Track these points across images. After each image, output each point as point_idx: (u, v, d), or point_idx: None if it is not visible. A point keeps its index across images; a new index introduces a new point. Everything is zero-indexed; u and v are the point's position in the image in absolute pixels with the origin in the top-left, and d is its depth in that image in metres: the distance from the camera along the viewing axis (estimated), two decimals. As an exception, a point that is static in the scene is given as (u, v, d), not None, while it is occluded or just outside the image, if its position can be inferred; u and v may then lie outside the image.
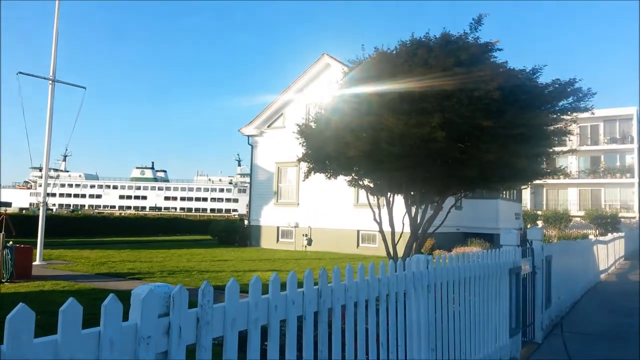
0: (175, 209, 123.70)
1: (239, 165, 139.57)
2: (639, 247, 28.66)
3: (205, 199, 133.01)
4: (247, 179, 37.28)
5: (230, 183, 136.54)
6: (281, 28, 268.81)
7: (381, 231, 9.53)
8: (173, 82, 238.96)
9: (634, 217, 42.62)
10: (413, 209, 9.41)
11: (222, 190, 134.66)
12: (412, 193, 9.47)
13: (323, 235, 22.10)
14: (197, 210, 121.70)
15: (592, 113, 8.31)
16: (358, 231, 21.24)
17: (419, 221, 9.33)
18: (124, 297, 1.74)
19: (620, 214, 40.63)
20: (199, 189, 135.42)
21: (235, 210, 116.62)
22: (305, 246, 22.40)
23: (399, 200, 9.78)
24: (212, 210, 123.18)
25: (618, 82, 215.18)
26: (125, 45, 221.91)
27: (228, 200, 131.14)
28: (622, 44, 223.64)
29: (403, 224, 9.36)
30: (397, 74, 7.43)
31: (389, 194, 9.65)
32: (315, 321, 2.61)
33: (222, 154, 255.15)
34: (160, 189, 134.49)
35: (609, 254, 16.81)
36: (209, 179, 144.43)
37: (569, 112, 8.36)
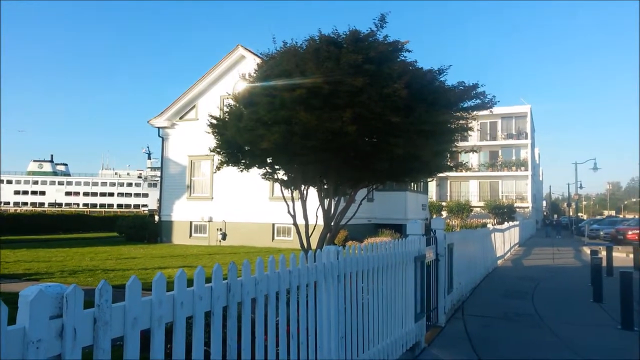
0: (78, 204, 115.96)
1: (149, 158, 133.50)
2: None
3: (111, 194, 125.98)
4: (158, 173, 35.86)
5: (140, 177, 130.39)
6: (194, 16, 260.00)
7: (295, 224, 9.63)
8: (74, 71, 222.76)
9: (528, 207, 46.64)
10: (326, 202, 9.58)
11: (130, 184, 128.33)
12: (325, 186, 9.64)
13: (238, 230, 21.86)
14: (102, 206, 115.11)
15: (491, 112, 8.97)
16: (273, 224, 21.24)
17: (332, 213, 9.52)
18: (17, 300, 1.61)
19: (515, 204, 44.26)
20: (104, 184, 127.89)
21: (145, 205, 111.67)
22: (220, 241, 22.04)
23: (313, 193, 9.91)
24: (120, 205, 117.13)
25: (515, 80, 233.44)
26: (23, 30, 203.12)
27: (137, 195, 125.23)
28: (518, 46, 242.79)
29: (317, 216, 9.52)
30: (308, 69, 7.50)
31: (302, 186, 9.75)
32: (225, 316, 2.58)
33: (130, 146, 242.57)
34: (60, 183, 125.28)
35: (505, 241, 18.24)
36: (116, 173, 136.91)
37: (471, 112, 8.95)
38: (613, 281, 10.25)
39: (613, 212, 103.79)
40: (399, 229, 21.52)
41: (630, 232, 29.02)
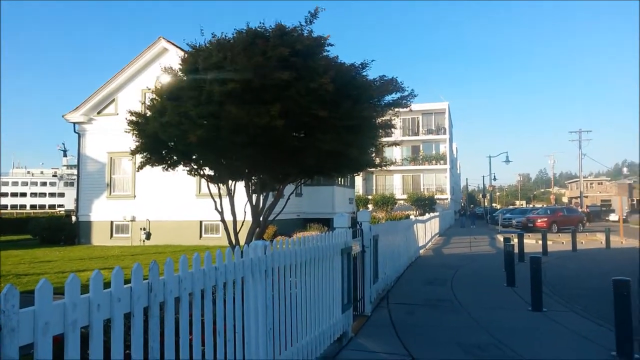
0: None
1: (65, 155, 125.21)
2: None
3: (24, 194, 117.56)
4: (75, 171, 33.87)
5: (55, 176, 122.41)
6: (114, 7, 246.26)
7: (223, 220, 9.46)
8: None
9: (447, 199, 48.96)
10: (254, 197, 9.51)
11: (44, 184, 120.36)
12: (253, 180, 9.56)
13: (163, 228, 21.16)
14: (14, 207, 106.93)
15: (411, 110, 9.32)
16: (201, 222, 20.78)
17: (260, 208, 9.47)
18: None
19: (436, 196, 46.32)
20: (15, 183, 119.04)
21: (61, 205, 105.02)
22: (144, 240, 21.22)
23: (241, 189, 9.80)
24: (33, 206, 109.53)
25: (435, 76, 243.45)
26: None
27: (52, 194, 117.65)
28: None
29: (245, 212, 9.42)
30: (239, 62, 7.39)
31: (230, 182, 9.61)
32: (147, 317, 2.49)
33: (43, 143, 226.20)
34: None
35: (426, 232, 19.06)
36: (29, 172, 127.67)
37: (393, 108, 9.25)
38: (524, 266, 11.03)
39: (524, 202, 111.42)
40: (327, 223, 21.81)
41: (539, 220, 31.35)
